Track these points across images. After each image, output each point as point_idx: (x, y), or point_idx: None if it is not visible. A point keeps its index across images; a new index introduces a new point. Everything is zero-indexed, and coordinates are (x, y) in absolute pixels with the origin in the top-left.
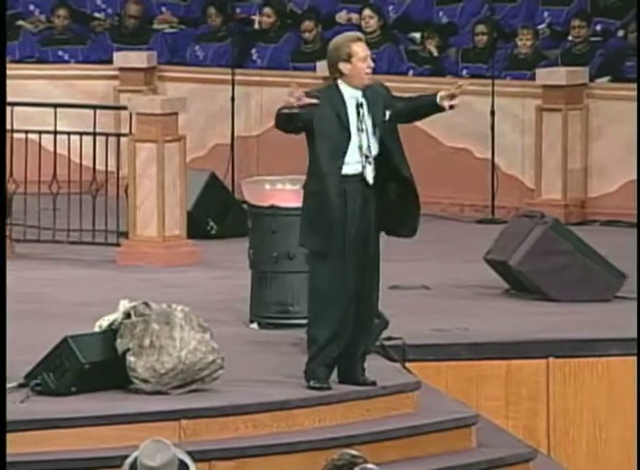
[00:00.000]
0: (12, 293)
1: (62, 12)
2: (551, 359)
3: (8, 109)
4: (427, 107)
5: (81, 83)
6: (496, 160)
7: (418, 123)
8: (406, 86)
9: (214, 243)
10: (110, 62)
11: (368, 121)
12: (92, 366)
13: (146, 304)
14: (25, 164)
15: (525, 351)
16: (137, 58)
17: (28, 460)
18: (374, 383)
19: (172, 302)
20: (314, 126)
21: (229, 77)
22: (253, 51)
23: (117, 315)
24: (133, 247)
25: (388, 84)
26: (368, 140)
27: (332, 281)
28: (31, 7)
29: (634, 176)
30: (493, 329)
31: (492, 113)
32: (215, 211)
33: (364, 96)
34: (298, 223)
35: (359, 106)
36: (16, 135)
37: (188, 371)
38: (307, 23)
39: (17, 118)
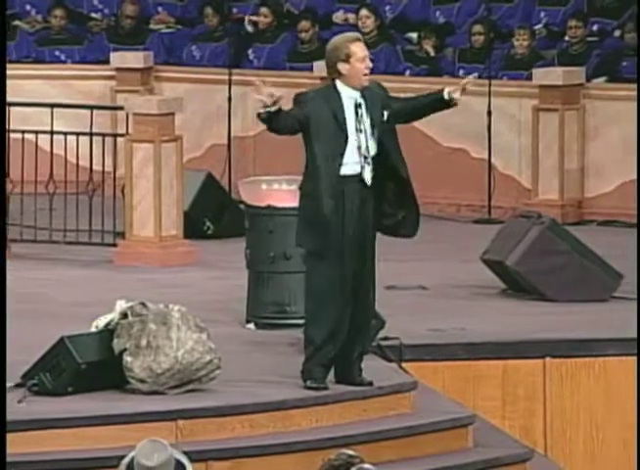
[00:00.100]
0: (9, 293)
1: (58, 12)
2: (548, 359)
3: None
4: (429, 104)
5: (78, 83)
6: (493, 160)
7: (415, 124)
8: (403, 86)
9: (211, 243)
10: (106, 62)
11: (366, 122)
12: (89, 366)
13: (143, 304)
14: (22, 165)
15: (522, 351)
16: (134, 58)
17: (25, 460)
18: (371, 383)
19: (169, 302)
20: (311, 127)
21: (226, 78)
22: (250, 51)
23: (114, 315)
24: (130, 247)
25: (384, 84)
26: (366, 141)
27: (329, 281)
28: (28, 7)
29: (631, 176)
30: (490, 329)
31: (489, 113)
32: (212, 212)
33: (362, 96)
34: (295, 223)
35: (358, 106)
36: (12, 135)
37: (185, 371)
38: (304, 24)
39: (13, 119)
